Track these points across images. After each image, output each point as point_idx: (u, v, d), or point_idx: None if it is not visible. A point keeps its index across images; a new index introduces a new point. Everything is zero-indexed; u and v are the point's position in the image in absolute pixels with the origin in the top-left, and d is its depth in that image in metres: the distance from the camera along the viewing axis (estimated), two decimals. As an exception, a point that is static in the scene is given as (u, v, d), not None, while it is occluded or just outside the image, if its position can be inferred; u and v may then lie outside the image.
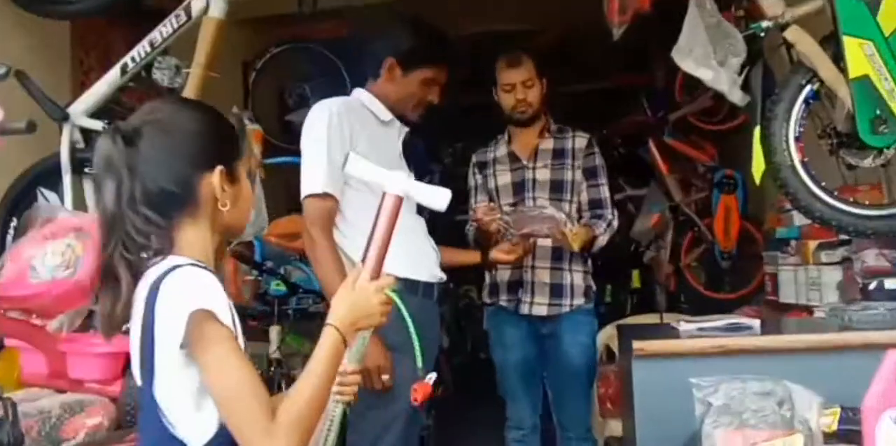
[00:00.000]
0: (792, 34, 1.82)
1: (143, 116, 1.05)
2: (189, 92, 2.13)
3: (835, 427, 1.44)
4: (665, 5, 2.01)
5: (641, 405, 1.81)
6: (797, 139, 1.86)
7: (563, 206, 2.45)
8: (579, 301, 2.48)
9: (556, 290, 2.46)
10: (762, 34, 1.86)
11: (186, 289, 0.94)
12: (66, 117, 2.15)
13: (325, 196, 1.77)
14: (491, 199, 2.57)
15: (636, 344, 1.81)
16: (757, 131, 1.88)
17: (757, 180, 1.91)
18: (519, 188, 2.52)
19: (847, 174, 2.00)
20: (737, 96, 1.89)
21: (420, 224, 2.04)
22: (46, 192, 2.19)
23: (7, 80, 1.30)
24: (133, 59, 2.14)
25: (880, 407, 1.19)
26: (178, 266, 0.96)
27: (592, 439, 2.65)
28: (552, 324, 2.48)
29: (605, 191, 2.56)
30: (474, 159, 2.70)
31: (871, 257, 2.09)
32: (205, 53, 2.11)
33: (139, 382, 0.99)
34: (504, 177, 2.56)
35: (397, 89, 1.97)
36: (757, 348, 1.78)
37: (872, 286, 1.93)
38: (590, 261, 2.57)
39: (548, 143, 2.55)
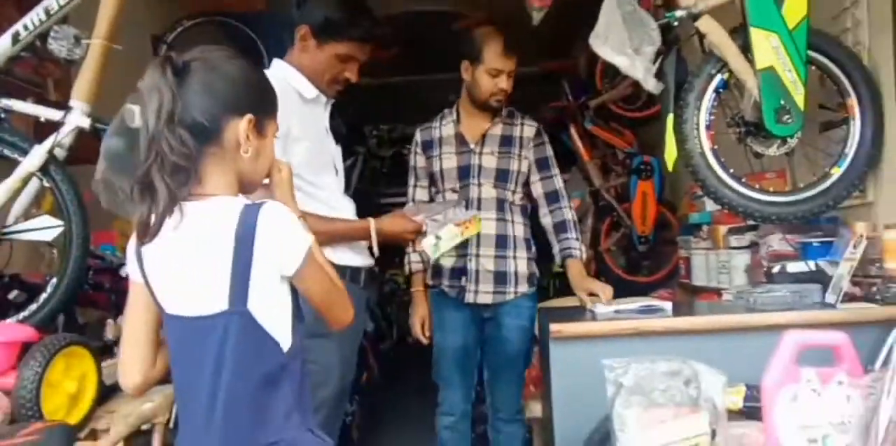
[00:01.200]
0: (704, 24, 1.89)
1: (194, 54, 1.19)
2: (89, 64, 2.03)
3: (740, 404, 1.52)
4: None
5: (558, 386, 1.87)
6: (707, 127, 1.95)
7: (505, 194, 2.50)
8: (523, 288, 2.51)
9: (500, 278, 2.47)
10: (676, 23, 1.93)
11: (293, 227, 1.19)
12: (-54, 89, 2.01)
13: None
14: (432, 183, 2.57)
15: (553, 327, 1.87)
16: (670, 119, 1.95)
17: (669, 167, 1.99)
18: (464, 173, 2.50)
19: (754, 162, 2.11)
20: (651, 84, 1.95)
21: (351, 207, 2.04)
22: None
23: None
24: (26, 27, 2.01)
25: (778, 385, 1.26)
26: (258, 204, 1.15)
27: (522, 420, 2.70)
28: (494, 309, 2.51)
29: (559, 182, 2.58)
30: (418, 137, 2.63)
31: (776, 242, 2.21)
32: (106, 23, 2.02)
33: (223, 307, 1.13)
34: (450, 161, 2.53)
35: (311, 61, 1.94)
36: (667, 329, 1.86)
37: (776, 270, 2.05)
38: (534, 248, 2.59)
39: (497, 129, 2.52)
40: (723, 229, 2.62)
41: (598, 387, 1.71)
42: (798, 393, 1.27)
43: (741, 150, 2.05)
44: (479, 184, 2.47)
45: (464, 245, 2.36)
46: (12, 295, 2.15)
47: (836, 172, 1.93)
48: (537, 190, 2.56)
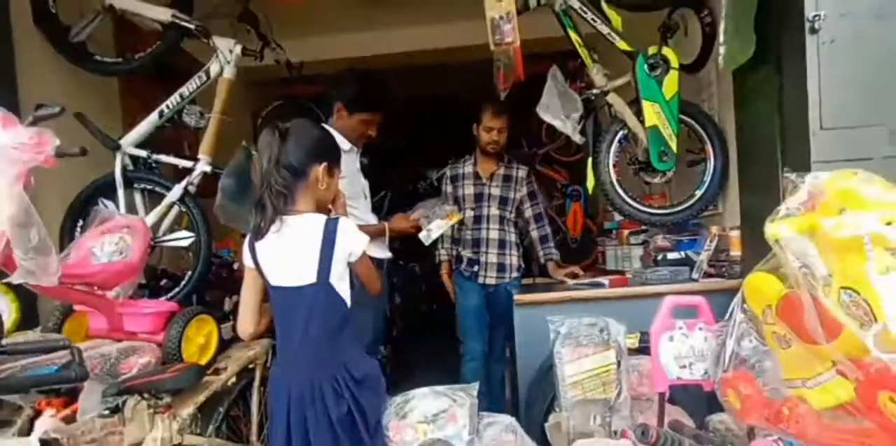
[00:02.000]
0: (611, 98, 1.94)
1: (290, 124, 1.29)
2: (210, 130, 2.07)
3: (636, 345, 1.55)
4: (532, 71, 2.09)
5: (519, 335, 1.90)
6: (614, 165, 1.98)
7: (505, 214, 2.58)
8: (515, 274, 2.63)
9: (501, 268, 2.59)
10: (593, 98, 1.98)
11: (357, 232, 1.30)
12: (118, 147, 2.04)
13: None
14: (457, 203, 2.61)
15: (516, 297, 1.90)
16: (590, 160, 1.99)
17: (590, 191, 2.03)
18: (479, 198, 2.58)
19: (645, 188, 2.15)
20: (577, 137, 1.99)
21: (374, 219, 2.08)
22: (106, 202, 2.08)
23: (58, 116, 1.25)
24: (168, 106, 2.06)
25: (660, 330, 1.29)
26: (335, 218, 1.29)
27: (504, 361, 2.74)
28: (496, 287, 2.61)
29: (541, 207, 2.71)
30: (449, 172, 2.71)
31: (660, 239, 2.24)
32: (221, 103, 2.06)
33: (312, 280, 1.24)
34: (469, 189, 2.60)
35: (344, 126, 1.96)
36: (589, 297, 1.90)
37: (659, 257, 2.08)
38: (521, 248, 2.70)
39: (501, 170, 2.60)
40: (626, 232, 2.64)
41: (545, 336, 1.76)
42: (674, 335, 1.30)
43: (636, 180, 2.09)
44: (489, 206, 2.58)
45: (477, 244, 2.56)
46: (163, 282, 2.19)
47: (698, 193, 1.96)
48: (527, 213, 2.65)
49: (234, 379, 1.71)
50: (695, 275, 1.89)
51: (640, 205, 2.00)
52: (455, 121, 2.63)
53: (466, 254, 2.59)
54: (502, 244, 2.59)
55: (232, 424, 1.74)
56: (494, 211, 2.57)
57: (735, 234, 1.83)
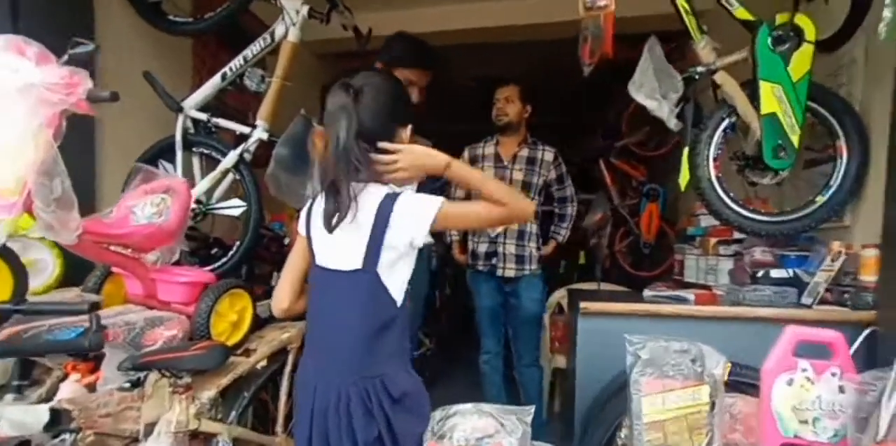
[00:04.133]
0: (720, 77, 1.58)
1: (363, 80, 1.03)
2: (270, 95, 1.92)
3: (725, 378, 1.23)
4: (621, 56, 1.78)
5: (582, 349, 1.60)
6: (715, 159, 1.62)
7: None
8: (535, 266, 2.39)
9: (520, 259, 2.35)
10: (696, 77, 1.62)
11: (422, 202, 1.00)
12: (180, 109, 1.95)
13: None
14: None
15: (582, 304, 1.60)
16: (686, 151, 1.64)
17: (682, 188, 1.67)
18: None
19: (748, 189, 1.76)
20: (672, 123, 1.65)
21: None
22: (165, 164, 2.00)
23: (94, 53, 1.10)
24: (231, 69, 1.93)
25: (776, 370, 0.98)
26: (395, 194, 1.00)
27: (539, 366, 2.52)
28: (514, 284, 2.38)
29: (569, 191, 2.51)
30: (466, 153, 2.48)
31: (759, 253, 1.86)
32: (283, 67, 1.90)
33: (357, 266, 1.00)
34: (489, 173, 2.37)
35: None
36: (669, 313, 1.57)
37: (760, 274, 1.70)
38: (541, 240, 2.48)
39: (524, 152, 2.39)
40: (713, 240, 2.26)
41: (612, 353, 1.47)
42: (794, 378, 0.98)
43: (739, 179, 1.71)
44: None
45: (496, 236, 2.34)
46: (213, 251, 2.10)
47: (821, 200, 1.56)
48: (555, 195, 2.50)
49: (264, 363, 1.56)
50: (806, 300, 1.51)
51: (744, 209, 1.63)
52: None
53: (482, 246, 2.37)
54: (521, 234, 2.37)
55: (260, 411, 1.59)
56: None
57: (869, 254, 1.43)
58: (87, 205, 1.69)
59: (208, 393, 1.32)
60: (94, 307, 1.42)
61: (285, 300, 1.16)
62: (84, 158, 1.88)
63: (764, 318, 1.47)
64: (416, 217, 1.00)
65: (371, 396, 0.97)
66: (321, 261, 1.07)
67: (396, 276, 1.02)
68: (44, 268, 1.49)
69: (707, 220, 2.39)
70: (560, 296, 2.84)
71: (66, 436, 1.14)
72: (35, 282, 1.47)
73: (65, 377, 1.33)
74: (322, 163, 1.01)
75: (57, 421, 1.10)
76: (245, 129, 1.94)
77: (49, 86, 1.00)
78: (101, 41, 1.93)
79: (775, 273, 1.68)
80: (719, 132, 1.61)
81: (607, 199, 3.42)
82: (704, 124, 1.61)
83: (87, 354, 1.25)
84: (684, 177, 1.64)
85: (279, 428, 1.59)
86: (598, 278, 2.86)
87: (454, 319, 4.25)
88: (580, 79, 1.87)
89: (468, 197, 2.30)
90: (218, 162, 1.94)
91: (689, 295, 1.67)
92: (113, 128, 2.00)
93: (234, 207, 1.96)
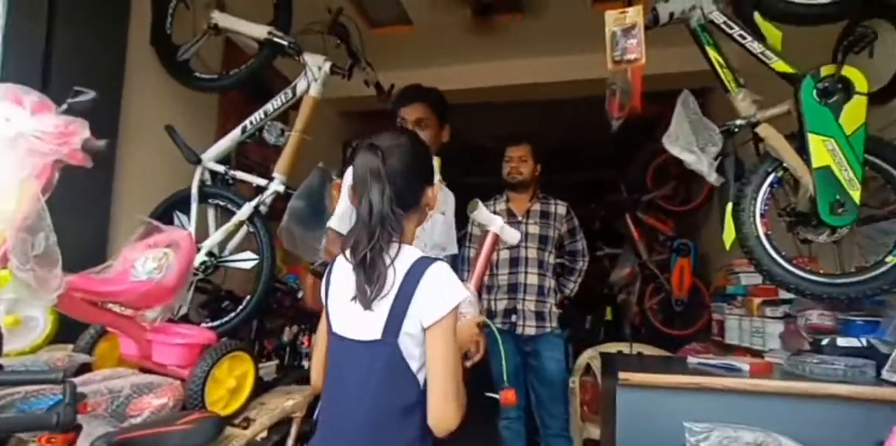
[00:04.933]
0: (763, 130, 1.46)
1: (390, 140, 0.95)
2: (288, 148, 1.88)
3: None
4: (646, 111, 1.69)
5: (623, 427, 1.36)
6: (762, 215, 1.47)
7: (544, 255, 2.25)
8: (555, 324, 2.23)
9: (540, 316, 2.20)
10: (735, 130, 1.51)
11: (451, 286, 0.88)
12: (199, 161, 1.91)
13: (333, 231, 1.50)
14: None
15: (622, 375, 1.38)
16: (729, 207, 1.49)
17: (727, 247, 1.50)
18: None
19: (800, 247, 1.58)
20: (713, 177, 1.51)
21: None
22: (180, 215, 1.93)
23: (93, 101, 1.02)
24: (251, 122, 1.91)
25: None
26: (436, 260, 0.90)
27: (569, 437, 2.26)
28: (534, 343, 2.20)
29: (581, 244, 2.41)
30: (468, 210, 2.35)
31: (815, 316, 1.63)
32: (303, 121, 1.87)
33: (376, 336, 0.88)
34: (498, 245, 2.26)
35: None
36: (721, 387, 1.34)
37: (825, 342, 1.47)
38: (559, 297, 2.35)
39: (537, 206, 2.32)
40: (757, 300, 2.05)
41: (658, 430, 1.26)
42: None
43: (788, 237, 1.54)
44: (527, 247, 2.24)
45: (513, 290, 2.22)
46: (224, 304, 1.98)
47: (892, 260, 1.37)
48: (567, 248, 2.40)
49: (264, 434, 1.37)
50: (890, 376, 1.28)
51: (800, 269, 1.44)
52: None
53: (500, 303, 2.22)
54: (541, 290, 2.23)
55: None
56: (532, 252, 2.23)
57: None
58: (98, 257, 1.60)
59: (196, 475, 1.13)
60: (83, 369, 1.30)
61: (317, 376, 1.03)
62: (99, 211, 1.83)
63: (837, 396, 1.24)
64: (443, 294, 0.87)
65: None
66: (338, 328, 0.94)
67: (419, 353, 0.87)
68: (34, 326, 1.38)
69: (748, 278, 2.19)
70: (589, 356, 2.59)
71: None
72: (24, 341, 1.36)
73: (40, 451, 1.18)
74: (350, 235, 0.91)
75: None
76: (262, 182, 1.88)
77: (41, 135, 0.94)
78: (129, 94, 1.95)
79: (843, 341, 1.46)
80: (765, 187, 1.46)
81: (635, 254, 3.23)
82: (748, 179, 1.47)
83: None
84: (729, 235, 1.48)
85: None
86: (629, 337, 2.62)
87: (468, 382, 3.95)
88: (602, 135, 1.80)
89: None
90: (233, 214, 1.87)
91: (743, 364, 1.45)
92: (131, 180, 1.96)
93: (247, 260, 1.87)
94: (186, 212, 1.91)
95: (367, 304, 0.87)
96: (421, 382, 0.87)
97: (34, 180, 0.91)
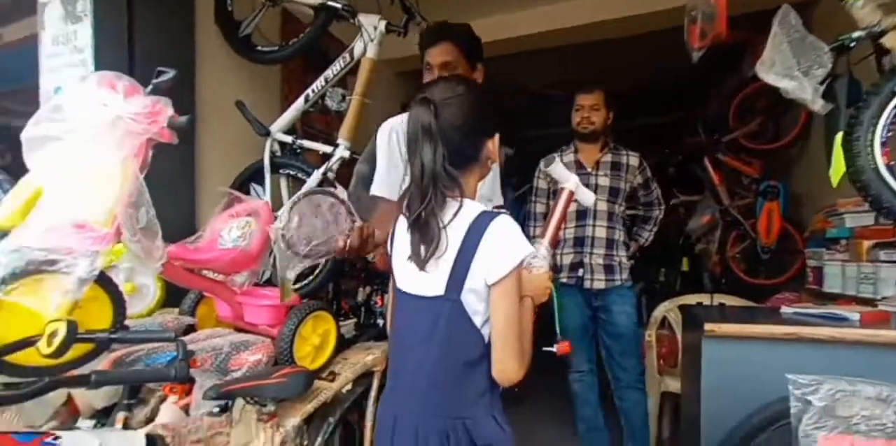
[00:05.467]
0: (890, 40, 1.20)
1: (444, 92, 0.87)
2: (350, 113, 1.85)
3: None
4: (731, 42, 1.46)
5: (709, 380, 1.27)
6: (883, 144, 1.24)
7: (614, 208, 2.10)
8: (625, 276, 2.11)
9: (609, 269, 2.09)
10: (852, 45, 1.26)
11: (515, 241, 0.83)
12: (268, 133, 1.95)
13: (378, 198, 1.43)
14: (552, 198, 2.16)
15: (707, 326, 1.28)
16: (839, 137, 1.27)
17: (834, 183, 1.31)
18: None
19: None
20: (818, 105, 1.29)
21: None
22: (255, 186, 2.01)
23: (175, 80, 1.04)
24: (313, 91, 1.90)
25: None
26: (498, 213, 0.84)
27: (642, 389, 2.17)
28: (603, 297, 2.10)
29: (656, 194, 2.25)
30: (542, 165, 2.18)
31: (942, 259, 1.40)
32: (362, 84, 1.83)
33: (439, 291, 0.85)
34: (571, 206, 2.11)
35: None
36: (824, 337, 1.20)
37: (957, 287, 1.27)
38: (633, 248, 2.26)
39: (608, 157, 2.14)
40: (866, 244, 1.80)
41: (748, 386, 1.16)
42: None
43: None
44: (596, 199, 2.03)
45: (580, 244, 2.10)
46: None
47: None
48: (641, 199, 2.27)
49: (348, 387, 1.43)
50: None
51: (929, 205, 1.22)
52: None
53: (567, 257, 2.11)
54: (610, 243, 2.09)
55: (345, 436, 1.47)
56: (602, 205, 2.08)
57: None
58: (189, 229, 1.71)
59: (293, 420, 1.22)
60: (188, 330, 1.41)
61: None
62: (186, 185, 1.94)
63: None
64: (508, 248, 0.82)
65: (451, 441, 0.81)
66: (402, 284, 0.93)
67: (484, 308, 0.84)
68: (147, 292, 1.51)
69: (855, 219, 1.92)
70: (666, 309, 2.45)
71: (162, 464, 1.09)
72: (140, 306, 1.50)
73: (164, 398, 1.32)
74: (406, 194, 0.87)
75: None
76: (328, 149, 1.88)
77: (134, 116, 0.97)
78: (201, 74, 2.00)
79: (979, 287, 1.24)
80: (890, 110, 1.22)
81: (715, 200, 2.96)
82: (866, 102, 1.24)
83: (181, 378, 1.21)
84: (837, 170, 1.28)
85: (366, 454, 1.45)
86: (710, 288, 2.44)
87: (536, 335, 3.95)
88: (673, 74, 1.58)
89: (546, 213, 2.07)
90: (303, 182, 1.90)
91: (851, 314, 1.29)
92: (210, 155, 2.05)
93: (320, 226, 1.91)
94: (261, 183, 1.97)
95: (420, 265, 0.85)
96: (486, 336, 0.85)
97: (133, 159, 0.95)
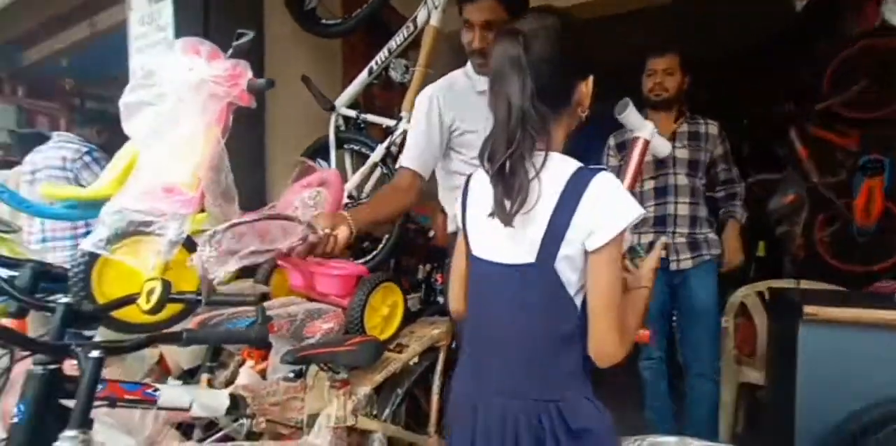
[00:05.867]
0: None
1: (535, 22, 0.77)
2: (414, 85, 1.82)
3: None
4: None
5: (806, 371, 1.16)
6: None
7: (695, 182, 1.90)
8: (714, 251, 1.92)
9: (694, 246, 1.92)
10: None
11: (622, 202, 0.73)
12: (332, 108, 1.96)
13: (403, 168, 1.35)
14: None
15: (808, 309, 1.17)
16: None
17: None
18: (661, 164, 1.88)
19: None
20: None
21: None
22: (321, 162, 2.03)
23: (251, 39, 1.03)
24: (377, 63, 1.88)
25: None
26: (600, 170, 0.74)
27: (715, 379, 1.96)
28: (683, 276, 1.93)
29: (735, 171, 2.03)
30: (612, 141, 2.01)
31: None
32: (426, 54, 1.79)
33: (529, 259, 0.75)
34: (647, 156, 1.82)
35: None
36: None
37: None
38: (715, 225, 1.99)
39: (684, 127, 1.92)
40: None
41: (856, 378, 1.05)
42: None
43: None
44: (675, 173, 1.89)
45: (662, 223, 1.89)
46: (364, 244, 2.09)
47: None
48: (720, 176, 2.00)
49: (415, 360, 1.44)
50: None
51: None
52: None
53: (647, 236, 1.91)
54: (694, 221, 1.89)
55: (411, 409, 1.48)
56: (682, 179, 1.88)
57: None
58: (259, 200, 1.77)
59: (364, 389, 1.24)
60: (263, 298, 1.46)
61: (457, 302, 0.94)
62: (256, 158, 2.00)
63: None
64: (616, 207, 0.72)
65: (544, 426, 0.73)
66: (479, 251, 0.83)
67: (579, 277, 0.75)
68: (224, 260, 1.56)
69: None
70: (743, 294, 2.29)
71: (244, 421, 1.14)
72: (218, 274, 1.56)
73: (243, 362, 1.38)
74: (486, 144, 0.77)
75: (235, 406, 1.10)
76: (391, 122, 1.87)
77: (217, 78, 0.98)
78: (268, 51, 2.03)
79: None
80: None
81: (801, 177, 2.69)
82: None
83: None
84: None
85: (431, 428, 1.46)
86: (794, 274, 2.24)
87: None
88: (755, 38, 1.39)
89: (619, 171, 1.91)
90: (367, 157, 1.91)
91: None
92: (278, 128, 2.10)
93: (384, 201, 1.92)
94: (326, 158, 1.99)
95: (506, 220, 0.74)
96: (579, 306, 0.76)
97: (216, 124, 0.96)
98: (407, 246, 2.26)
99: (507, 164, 0.73)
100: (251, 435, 1.14)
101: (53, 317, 0.84)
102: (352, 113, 1.95)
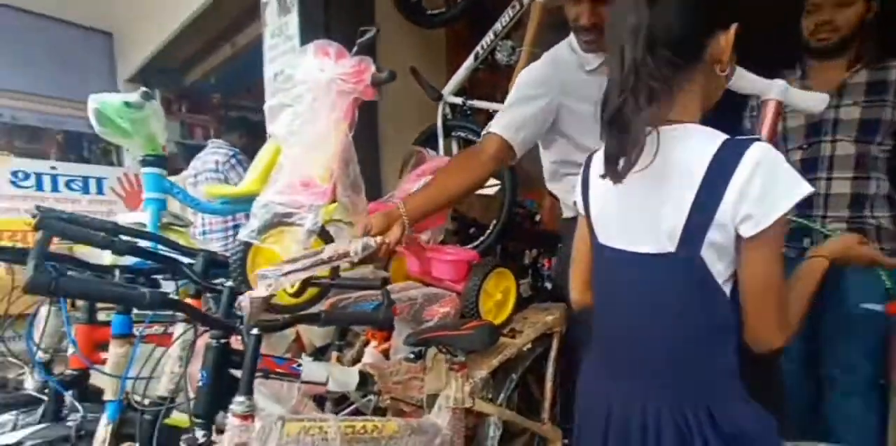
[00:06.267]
0: None
1: None
2: (520, 68, 1.76)
3: None
4: None
5: None
6: None
7: (868, 149, 1.42)
8: (889, 245, 1.43)
9: (860, 233, 1.36)
10: None
11: (785, 178, 0.62)
12: (440, 97, 1.98)
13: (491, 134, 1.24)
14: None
15: None
16: None
17: None
18: (813, 130, 1.46)
19: None
20: None
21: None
22: (429, 151, 2.07)
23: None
24: (482, 47, 1.85)
25: None
26: (755, 140, 0.62)
27: (867, 398, 1.46)
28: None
29: None
30: (754, 102, 1.57)
31: None
32: (532, 33, 1.72)
33: (668, 248, 0.66)
34: (796, 119, 1.48)
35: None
36: None
37: None
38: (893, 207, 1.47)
39: (861, 77, 1.42)
40: None
41: None
42: None
43: None
44: (835, 141, 1.43)
45: (808, 205, 1.45)
46: (471, 230, 2.11)
47: None
48: None
49: (529, 346, 1.42)
50: None
51: None
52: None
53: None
54: (856, 201, 1.42)
55: (525, 395, 1.48)
56: (847, 147, 1.42)
57: None
58: (374, 190, 1.87)
59: (480, 372, 1.25)
60: (384, 283, 1.55)
61: (576, 291, 0.89)
62: (370, 147, 2.10)
63: None
64: (782, 184, 0.61)
65: (693, 430, 0.66)
66: (606, 238, 0.75)
67: (730, 262, 0.66)
68: (349, 246, 1.68)
69: None
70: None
71: (372, 397, 1.23)
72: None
73: (367, 342, 1.48)
74: (605, 95, 0.67)
75: (364, 382, 1.18)
76: (498, 107, 1.83)
77: (343, 76, 1.03)
78: (380, 47, 2.11)
79: None
80: None
81: None
82: None
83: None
84: None
85: (545, 414, 1.45)
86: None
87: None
88: None
89: None
90: (474, 143, 1.90)
91: None
92: (389, 120, 2.18)
93: (490, 186, 1.91)
94: (435, 147, 2.03)
95: (616, 178, 0.66)
96: (729, 294, 0.66)
97: (344, 119, 1.02)
98: (513, 230, 2.24)
99: (618, 114, 0.64)
100: (377, 411, 1.22)
101: (221, 298, 0.97)
102: (458, 100, 1.95)
